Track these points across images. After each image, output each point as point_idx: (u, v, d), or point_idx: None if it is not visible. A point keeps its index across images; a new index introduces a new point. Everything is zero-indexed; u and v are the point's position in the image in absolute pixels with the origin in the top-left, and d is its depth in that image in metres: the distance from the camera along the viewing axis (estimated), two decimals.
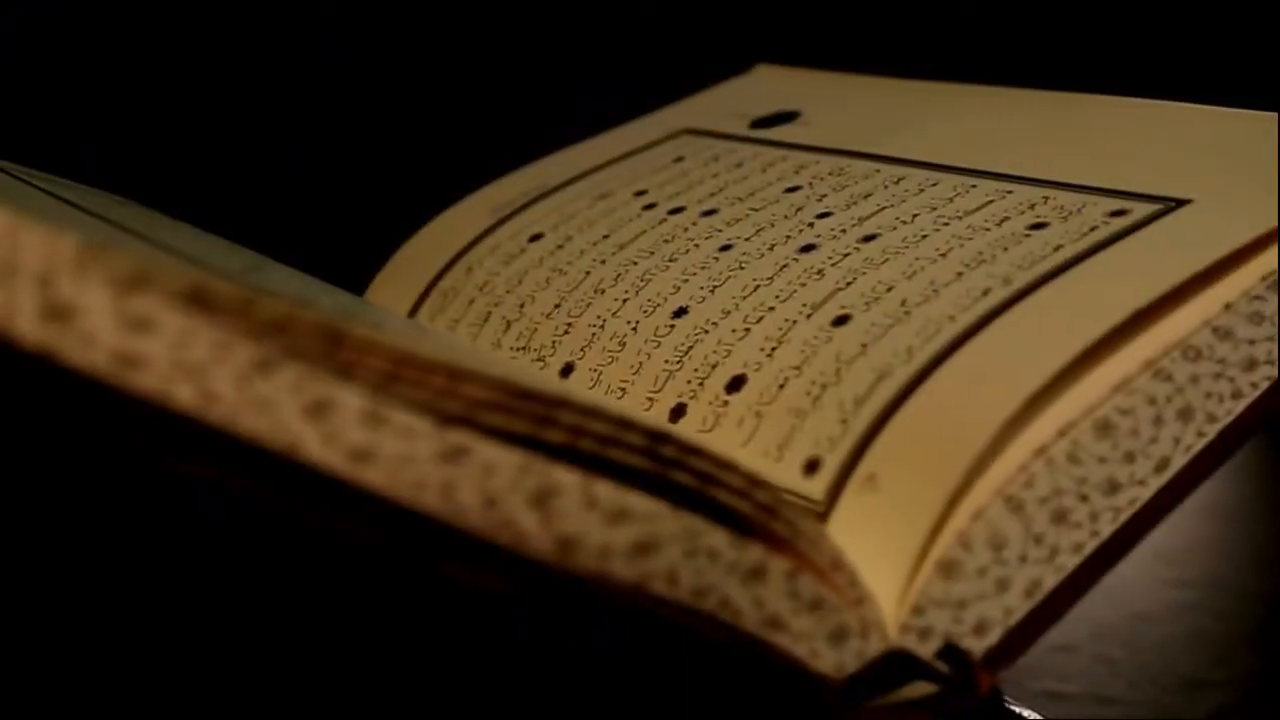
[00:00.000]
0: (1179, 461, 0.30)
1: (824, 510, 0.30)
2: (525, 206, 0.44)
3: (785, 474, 0.31)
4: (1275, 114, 0.36)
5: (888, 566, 0.28)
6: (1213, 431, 0.31)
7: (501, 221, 0.44)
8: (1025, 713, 0.36)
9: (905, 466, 0.29)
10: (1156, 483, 0.30)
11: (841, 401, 0.31)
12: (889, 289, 0.33)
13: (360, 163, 0.67)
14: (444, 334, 0.38)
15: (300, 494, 0.22)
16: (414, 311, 0.43)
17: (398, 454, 0.23)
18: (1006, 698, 0.37)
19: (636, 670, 0.28)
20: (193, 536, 0.33)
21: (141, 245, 0.28)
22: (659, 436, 0.25)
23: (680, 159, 0.44)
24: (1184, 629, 0.47)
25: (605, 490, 0.25)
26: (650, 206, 0.41)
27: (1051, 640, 0.45)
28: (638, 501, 0.25)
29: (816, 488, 0.30)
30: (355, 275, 0.45)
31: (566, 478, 0.24)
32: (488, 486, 0.24)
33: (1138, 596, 0.50)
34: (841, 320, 0.33)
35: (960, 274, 0.33)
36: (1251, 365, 0.31)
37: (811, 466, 0.31)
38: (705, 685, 0.27)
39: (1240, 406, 0.31)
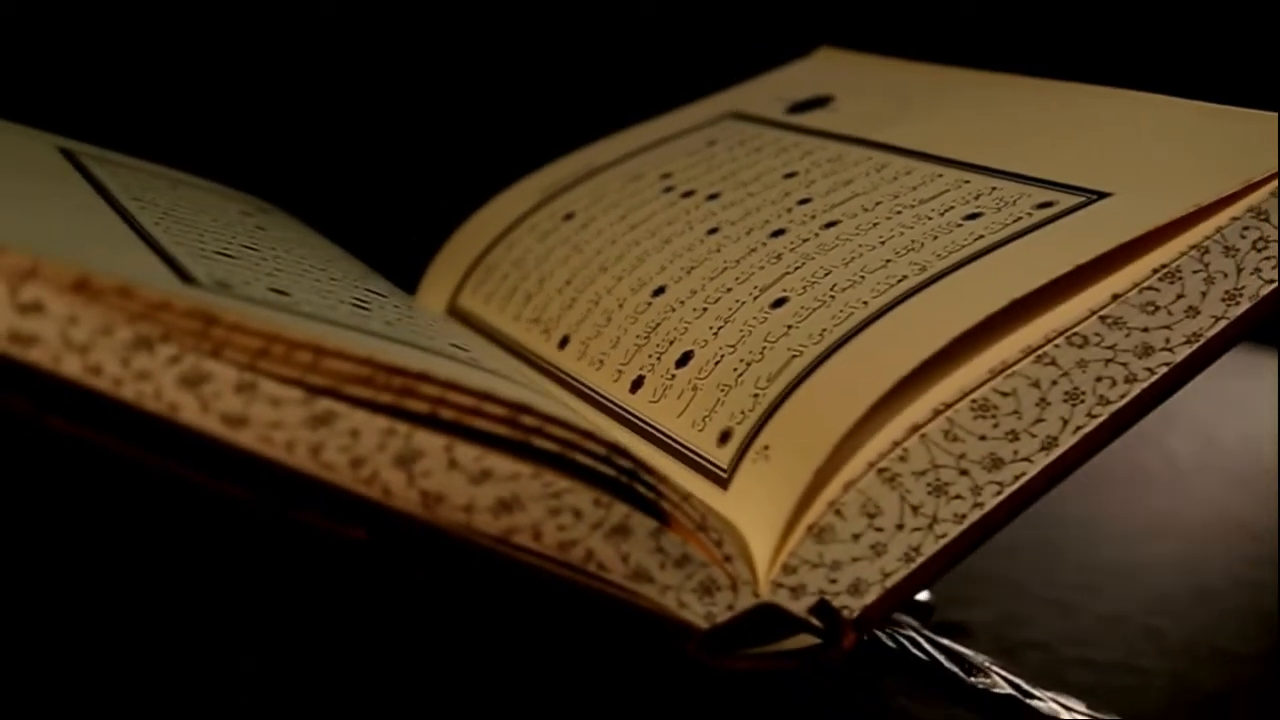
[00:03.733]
0: (1068, 440, 0.32)
1: (727, 477, 0.33)
2: (569, 187, 0.48)
3: (704, 442, 0.34)
4: (1237, 109, 0.37)
5: (768, 529, 0.31)
6: (1106, 413, 0.33)
7: (545, 201, 0.47)
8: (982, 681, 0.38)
9: (792, 439, 0.32)
10: (1044, 460, 0.32)
11: (758, 378, 0.34)
12: (826, 274, 0.36)
13: (436, 142, 0.72)
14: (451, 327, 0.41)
15: (175, 454, 0.26)
16: (461, 285, 0.47)
17: (269, 419, 0.27)
18: (983, 665, 0.38)
19: (513, 617, 0.31)
20: (74, 499, 0.36)
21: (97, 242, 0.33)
22: (520, 408, 0.29)
23: (713, 143, 0.47)
24: (1242, 606, 0.47)
25: (467, 453, 0.28)
26: (669, 190, 0.44)
27: (1103, 610, 0.46)
28: (500, 463, 0.29)
29: (724, 456, 0.33)
30: (423, 252, 0.50)
31: (429, 441, 0.28)
32: (355, 448, 0.28)
33: (1208, 569, 0.50)
34: (779, 303, 0.36)
35: (888, 261, 0.35)
36: (1147, 351, 0.33)
37: (724, 437, 0.34)
38: (579, 632, 0.31)
39: (1136, 390, 0.33)
